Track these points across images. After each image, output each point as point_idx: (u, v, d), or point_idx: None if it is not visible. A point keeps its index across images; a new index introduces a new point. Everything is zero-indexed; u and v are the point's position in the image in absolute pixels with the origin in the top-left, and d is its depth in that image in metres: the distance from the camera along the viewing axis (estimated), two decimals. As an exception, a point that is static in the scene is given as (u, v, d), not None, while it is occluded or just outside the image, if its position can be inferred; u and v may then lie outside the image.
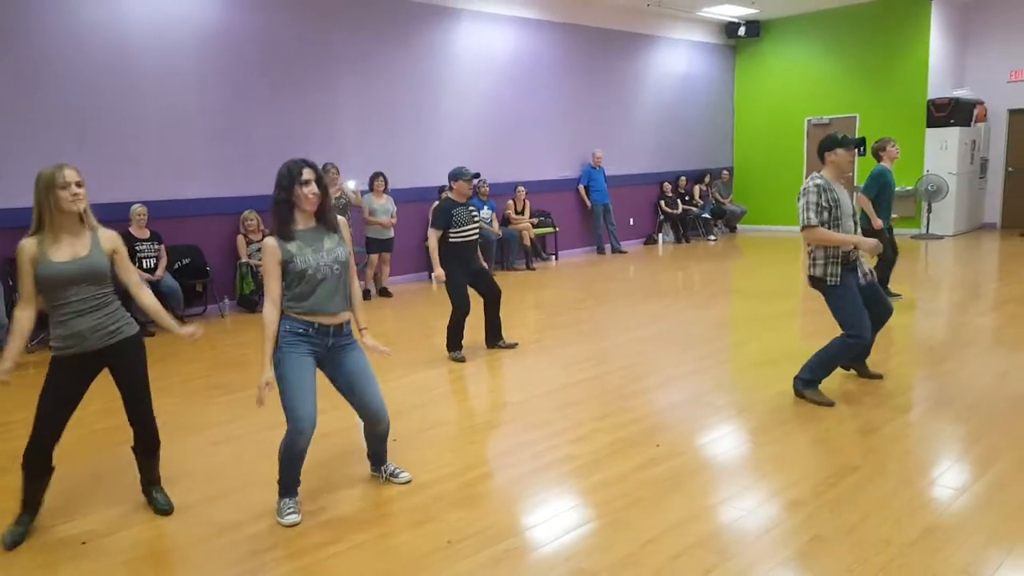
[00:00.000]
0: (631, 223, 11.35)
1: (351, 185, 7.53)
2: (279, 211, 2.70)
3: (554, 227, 10.08)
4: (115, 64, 6.52)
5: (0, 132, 5.96)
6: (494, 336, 5.26)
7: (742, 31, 12.01)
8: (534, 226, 9.72)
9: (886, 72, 11.04)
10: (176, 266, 6.81)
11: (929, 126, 10.65)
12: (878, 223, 5.85)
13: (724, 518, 2.71)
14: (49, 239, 2.56)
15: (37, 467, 2.68)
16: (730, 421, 3.71)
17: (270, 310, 2.70)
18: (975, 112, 10.78)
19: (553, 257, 10.18)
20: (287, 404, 2.69)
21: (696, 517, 2.71)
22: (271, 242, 2.69)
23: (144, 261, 6.46)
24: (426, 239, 7.34)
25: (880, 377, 4.22)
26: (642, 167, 11.44)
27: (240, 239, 7.12)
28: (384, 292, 7.92)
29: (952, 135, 10.45)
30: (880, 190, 5.92)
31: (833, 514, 2.68)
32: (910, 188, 10.56)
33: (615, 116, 10.94)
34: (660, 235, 11.64)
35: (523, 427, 3.73)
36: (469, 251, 4.98)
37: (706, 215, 11.83)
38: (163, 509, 2.88)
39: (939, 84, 10.81)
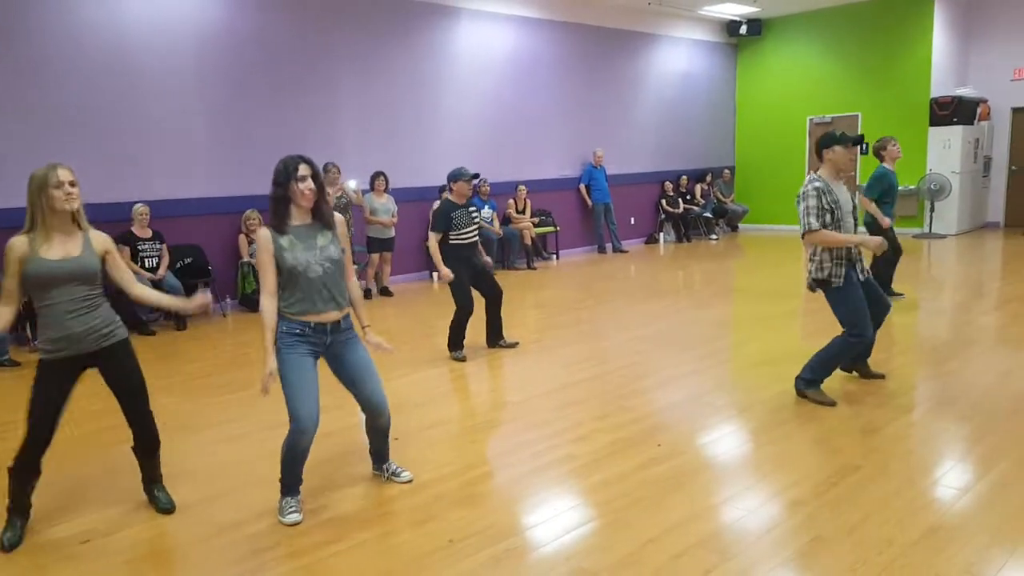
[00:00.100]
0: (632, 222, 11.34)
1: (352, 185, 7.53)
2: (275, 206, 2.70)
3: (555, 226, 10.08)
4: (116, 64, 6.53)
5: (2, 132, 5.96)
6: (495, 335, 5.26)
7: (743, 29, 11.98)
8: (535, 225, 9.72)
9: (888, 70, 11.02)
10: (178, 265, 6.81)
11: (932, 125, 10.62)
12: (886, 221, 5.83)
13: (725, 518, 2.70)
14: (41, 238, 2.55)
15: (28, 472, 2.68)
16: (731, 421, 3.70)
17: (267, 302, 2.69)
18: (978, 110, 10.75)
19: (554, 256, 10.17)
20: (289, 404, 2.69)
21: (697, 517, 2.70)
22: (265, 233, 2.70)
23: (146, 260, 6.47)
24: (427, 239, 7.34)
25: (882, 377, 4.21)
26: (643, 166, 11.42)
27: (242, 238, 7.13)
28: (385, 291, 7.92)
29: (955, 134, 10.42)
30: (883, 191, 5.90)
31: (834, 514, 2.67)
32: (913, 187, 10.54)
33: (616, 115, 10.93)
34: (661, 234, 11.62)
35: (524, 426, 3.72)
36: (470, 252, 4.98)
37: (707, 214, 11.81)
38: (165, 508, 2.88)
39: (942, 82, 10.78)
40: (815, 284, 3.78)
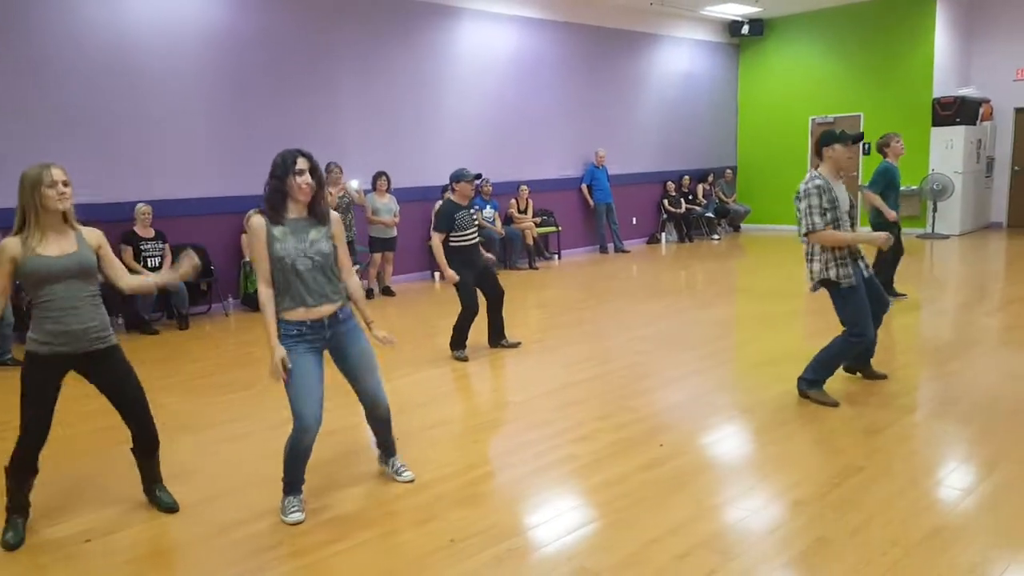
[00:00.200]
0: (634, 222, 11.33)
1: (354, 184, 7.53)
2: (272, 199, 2.69)
3: (557, 226, 10.07)
4: (118, 64, 6.53)
5: (2, 132, 5.97)
6: (497, 335, 5.26)
7: (745, 29, 11.97)
8: (537, 225, 9.71)
9: (891, 70, 11.00)
10: (180, 265, 6.81)
11: (934, 125, 10.60)
12: (892, 215, 5.82)
13: (728, 518, 2.70)
14: (36, 237, 2.55)
15: (25, 470, 2.68)
16: (733, 421, 3.70)
17: (265, 290, 2.68)
18: (981, 111, 10.72)
19: (556, 256, 10.17)
20: (292, 403, 2.69)
21: (700, 517, 2.70)
22: (259, 220, 2.68)
23: (149, 260, 6.48)
24: (429, 239, 7.33)
25: (884, 377, 4.20)
26: (645, 166, 11.41)
27: (244, 238, 7.13)
28: (387, 291, 7.93)
29: (958, 134, 10.40)
30: (886, 187, 5.89)
31: (838, 515, 2.67)
32: (915, 187, 10.52)
33: (618, 115, 10.92)
34: (663, 234, 11.61)
35: (526, 426, 3.72)
36: (472, 252, 4.99)
37: (709, 214, 11.80)
38: (168, 507, 2.88)
39: (944, 82, 10.76)
40: (821, 285, 3.76)
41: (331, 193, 7.14)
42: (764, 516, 2.70)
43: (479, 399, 4.39)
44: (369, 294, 7.76)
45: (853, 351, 3.85)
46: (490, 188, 8.97)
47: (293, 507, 2.78)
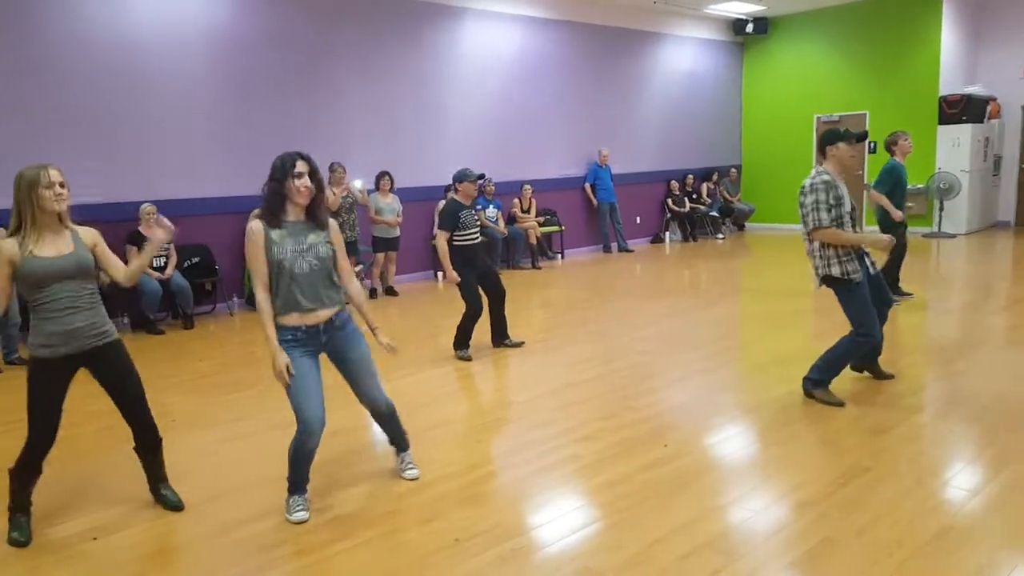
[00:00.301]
0: (638, 221, 11.31)
1: (357, 184, 7.54)
2: (270, 201, 2.69)
3: (560, 226, 10.06)
4: (121, 65, 6.55)
5: (7, 132, 5.99)
6: (500, 335, 5.26)
7: (750, 28, 11.93)
8: (540, 225, 9.70)
9: (896, 68, 10.95)
10: (185, 265, 6.84)
11: (941, 123, 10.55)
12: (898, 215, 5.79)
13: (733, 519, 2.69)
14: (32, 237, 2.56)
15: (29, 472, 2.70)
16: (738, 421, 3.68)
17: (262, 294, 2.67)
18: (988, 109, 10.66)
19: (559, 256, 10.16)
20: (294, 407, 2.69)
21: (704, 517, 2.68)
22: (256, 225, 2.68)
23: (153, 260, 6.49)
24: (432, 239, 7.34)
25: (892, 377, 4.17)
26: (649, 165, 11.39)
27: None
28: (390, 291, 7.93)
29: (964, 132, 10.35)
30: (893, 185, 5.86)
31: (843, 515, 2.65)
32: (922, 186, 10.46)
33: (621, 114, 10.90)
34: (667, 234, 11.59)
35: (529, 426, 3.71)
36: (476, 252, 4.99)
37: (714, 213, 11.76)
38: (174, 506, 2.89)
39: (951, 80, 10.71)
40: (826, 281, 3.74)
41: (334, 193, 7.15)
42: (769, 516, 2.68)
43: (482, 399, 4.39)
44: (372, 294, 7.77)
45: (860, 351, 3.83)
46: (493, 188, 8.96)
47: (298, 506, 2.78)
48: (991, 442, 3.27)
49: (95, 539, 2.70)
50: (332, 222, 2.84)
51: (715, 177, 12.05)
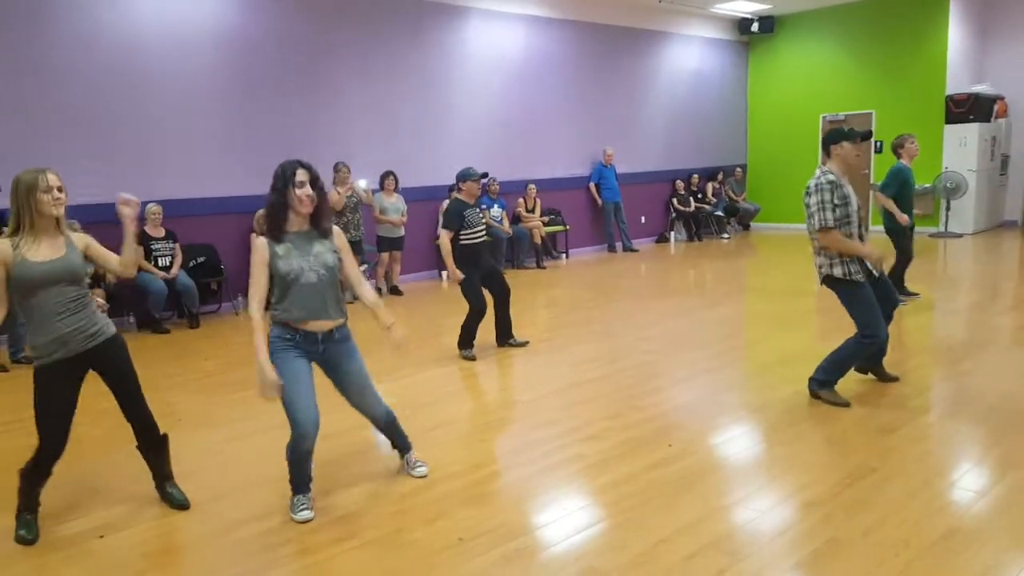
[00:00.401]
0: (642, 221, 11.29)
1: (362, 184, 7.55)
2: (273, 212, 2.69)
3: (565, 225, 10.05)
4: (127, 65, 6.58)
5: (9, 132, 6.01)
6: (504, 334, 5.26)
7: (755, 27, 11.90)
8: (545, 224, 9.70)
9: (903, 67, 10.90)
10: (191, 264, 6.86)
11: (948, 122, 10.49)
12: (904, 219, 5.77)
13: (738, 519, 2.68)
14: (28, 241, 2.57)
15: (39, 476, 2.71)
16: (744, 421, 3.67)
17: (255, 310, 2.67)
18: (995, 108, 10.60)
19: (564, 255, 10.15)
20: (287, 410, 2.70)
21: (709, 517, 2.68)
22: (261, 241, 2.70)
23: (159, 260, 6.52)
24: (436, 238, 7.33)
25: (897, 379, 4.15)
26: (654, 164, 11.37)
27: (253, 237, 7.16)
28: (395, 290, 7.94)
29: (971, 131, 10.29)
30: (899, 188, 5.83)
31: (849, 516, 2.64)
32: (928, 185, 10.41)
33: (626, 114, 10.89)
34: (672, 233, 11.57)
35: (533, 425, 3.71)
36: (481, 251, 4.99)
37: (719, 213, 11.74)
38: (180, 504, 2.90)
39: (958, 79, 10.65)
40: (827, 282, 3.72)
41: (339, 192, 7.16)
42: (774, 517, 2.67)
43: (487, 398, 4.39)
44: (377, 293, 7.77)
45: (865, 352, 3.81)
46: (497, 187, 8.96)
47: (302, 505, 2.79)
48: (998, 443, 3.25)
49: (102, 537, 2.71)
50: (336, 229, 2.84)
51: (720, 176, 12.01)
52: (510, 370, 4.82)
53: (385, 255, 7.90)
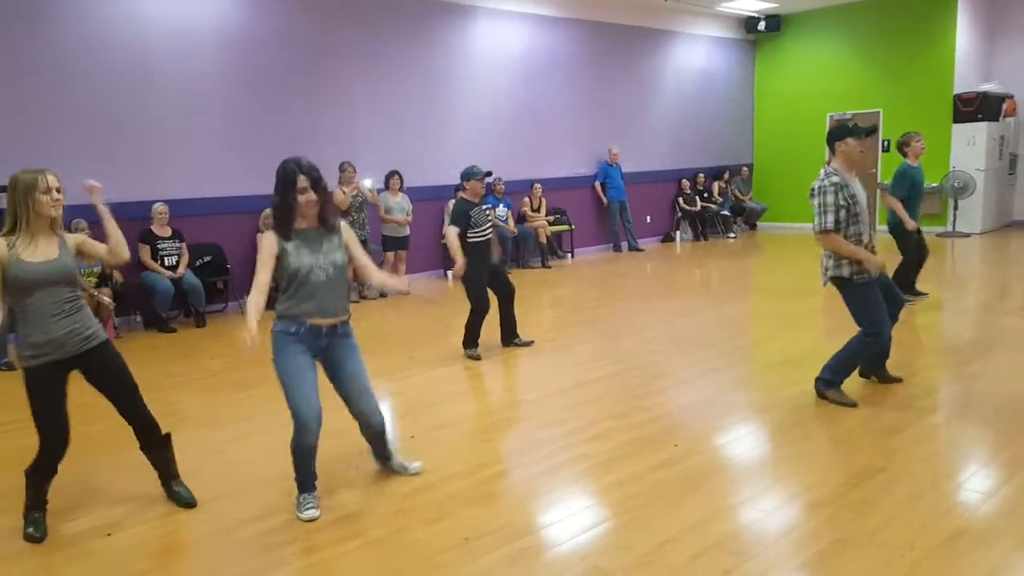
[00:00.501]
0: (648, 220, 11.27)
1: (367, 183, 7.57)
2: (278, 214, 2.71)
3: (570, 225, 10.04)
4: (133, 64, 6.60)
5: (15, 132, 6.03)
6: (509, 334, 5.26)
7: (762, 26, 11.86)
8: (550, 224, 9.69)
9: (910, 66, 10.83)
10: (197, 264, 6.89)
11: (955, 121, 10.43)
12: (911, 224, 5.73)
13: (744, 519, 2.67)
14: (24, 241, 2.58)
15: (45, 476, 2.72)
16: (749, 421, 3.66)
17: (256, 294, 2.65)
18: (1004, 106, 10.53)
19: (569, 255, 10.14)
20: (290, 404, 2.71)
21: (715, 517, 2.67)
22: (271, 236, 2.71)
23: (166, 259, 6.55)
24: (441, 237, 7.35)
25: (900, 380, 4.12)
26: (660, 164, 11.35)
27: (259, 236, 7.18)
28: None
29: (980, 130, 10.22)
30: (909, 189, 5.79)
31: (855, 516, 2.63)
32: (936, 185, 10.35)
33: (632, 113, 10.86)
34: (678, 233, 11.54)
35: (538, 425, 3.71)
36: (486, 250, 4.99)
37: (725, 212, 11.70)
38: (187, 502, 2.91)
39: (966, 78, 10.58)
40: (835, 282, 3.71)
41: (344, 192, 7.18)
42: (780, 517, 2.67)
43: (492, 398, 4.39)
44: (382, 293, 7.79)
45: (870, 350, 3.79)
46: (503, 187, 8.96)
47: (308, 504, 2.80)
48: (1006, 444, 3.23)
49: (108, 535, 2.73)
50: (343, 223, 2.85)
51: (727, 176, 11.98)
52: (515, 370, 4.82)
53: (390, 255, 7.91)
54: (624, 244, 10.57)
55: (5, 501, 2.95)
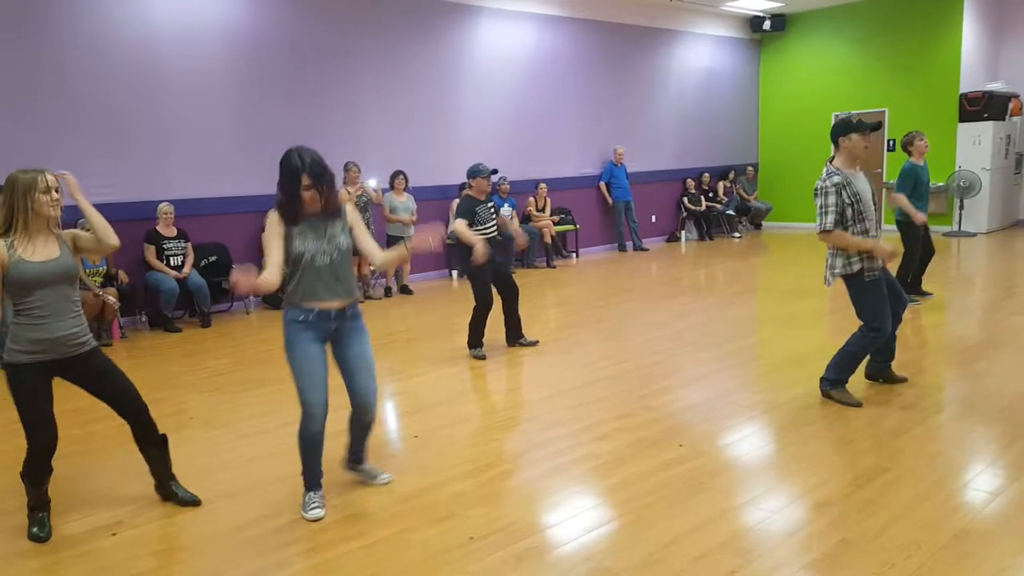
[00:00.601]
0: (653, 220, 11.26)
1: (372, 183, 7.58)
2: (285, 208, 2.72)
3: (575, 224, 10.04)
4: (140, 64, 6.63)
5: (23, 131, 6.06)
6: (514, 334, 5.26)
7: (767, 25, 11.83)
8: (555, 223, 9.69)
9: (916, 65, 10.79)
10: (203, 263, 6.91)
11: (961, 120, 10.38)
12: (919, 218, 5.71)
13: (748, 519, 2.67)
14: (23, 241, 2.57)
15: (39, 474, 2.72)
16: (755, 421, 3.66)
17: (270, 273, 2.62)
18: (1010, 106, 10.48)
19: (574, 255, 10.14)
20: (299, 390, 2.73)
21: (720, 518, 2.67)
22: (275, 216, 2.71)
23: (171, 259, 6.57)
24: (447, 237, 7.35)
25: (905, 380, 4.11)
26: (665, 163, 11.33)
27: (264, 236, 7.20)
28: (405, 290, 7.96)
29: (986, 130, 10.18)
30: (914, 187, 5.79)
31: (861, 517, 2.62)
32: (942, 184, 10.31)
33: (637, 112, 10.85)
34: (683, 232, 11.52)
35: (543, 425, 3.71)
36: (492, 248, 4.99)
37: (730, 212, 11.68)
38: (190, 501, 2.92)
39: (972, 77, 10.53)
40: (844, 279, 3.69)
41: (349, 192, 7.19)
42: (785, 517, 2.66)
43: (497, 397, 4.39)
44: (387, 292, 7.80)
45: (872, 346, 3.78)
46: (508, 186, 8.96)
47: (313, 503, 2.81)
48: (1011, 444, 3.22)
49: (114, 535, 2.74)
50: (346, 207, 2.85)
51: (732, 175, 11.95)
52: (520, 369, 4.83)
53: (395, 254, 7.91)
54: (629, 244, 10.56)
55: (8, 501, 2.98)
